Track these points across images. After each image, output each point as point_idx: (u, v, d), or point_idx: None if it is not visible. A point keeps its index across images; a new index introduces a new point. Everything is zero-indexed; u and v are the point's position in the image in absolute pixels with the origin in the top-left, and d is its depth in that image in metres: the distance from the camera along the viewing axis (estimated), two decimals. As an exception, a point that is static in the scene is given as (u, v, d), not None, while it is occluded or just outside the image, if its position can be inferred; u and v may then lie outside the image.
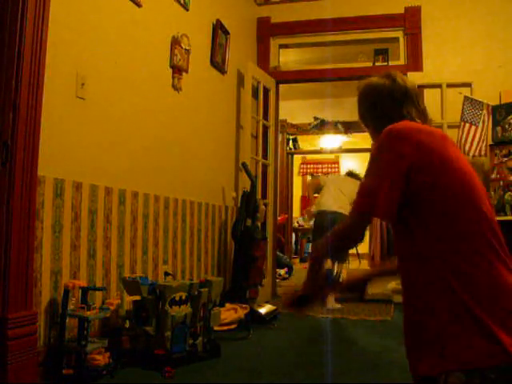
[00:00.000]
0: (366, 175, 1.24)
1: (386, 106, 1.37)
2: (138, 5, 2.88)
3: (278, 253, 6.86)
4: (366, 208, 1.18)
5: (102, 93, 2.60)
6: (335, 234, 1.28)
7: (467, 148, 4.03)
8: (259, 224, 4.13)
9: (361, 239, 1.29)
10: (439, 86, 4.41)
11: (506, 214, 3.80)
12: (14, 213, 1.96)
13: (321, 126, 8.66)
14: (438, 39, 4.50)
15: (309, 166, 12.35)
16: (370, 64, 4.87)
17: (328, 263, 4.45)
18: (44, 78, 2.10)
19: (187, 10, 3.48)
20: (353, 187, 4.47)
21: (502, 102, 4.11)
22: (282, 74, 5.05)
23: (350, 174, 5.07)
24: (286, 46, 5.17)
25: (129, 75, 2.83)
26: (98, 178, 2.56)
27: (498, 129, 3.98)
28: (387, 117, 1.32)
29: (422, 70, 4.50)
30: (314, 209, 4.91)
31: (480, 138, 4.04)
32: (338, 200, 4.60)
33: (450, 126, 4.32)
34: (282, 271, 6.45)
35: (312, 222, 4.97)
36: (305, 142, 10.14)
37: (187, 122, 3.56)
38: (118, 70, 2.74)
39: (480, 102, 4.09)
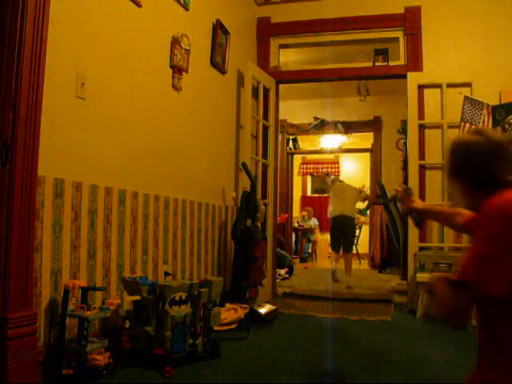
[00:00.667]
0: (476, 249, 1.23)
1: (483, 166, 1.36)
2: (138, 5, 2.88)
3: (282, 252, 6.91)
4: (477, 278, 1.17)
5: (102, 93, 2.60)
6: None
7: (467, 148, 4.03)
8: (259, 224, 4.13)
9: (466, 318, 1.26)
10: (439, 86, 4.41)
11: (506, 214, 3.80)
12: (14, 213, 1.96)
13: (321, 126, 8.66)
14: (438, 39, 4.50)
15: (309, 165, 12.36)
16: (370, 64, 4.86)
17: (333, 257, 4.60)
18: (44, 78, 2.10)
19: (187, 10, 3.48)
20: (351, 193, 6.45)
21: (502, 102, 4.11)
22: (282, 73, 5.05)
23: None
24: (286, 46, 5.17)
25: (129, 75, 2.83)
26: (98, 177, 2.56)
27: (498, 129, 3.98)
28: (485, 177, 1.34)
29: (422, 70, 4.50)
30: (329, 215, 6.39)
31: (480, 138, 4.03)
32: (344, 207, 6.17)
33: (450, 126, 4.32)
34: (282, 271, 6.44)
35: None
36: (305, 142, 10.14)
37: (187, 121, 3.56)
38: (118, 69, 2.74)
39: (480, 101, 4.09)
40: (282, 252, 7.02)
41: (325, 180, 8.73)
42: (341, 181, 6.95)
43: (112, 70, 2.68)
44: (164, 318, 2.45)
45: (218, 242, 4.10)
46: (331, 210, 6.31)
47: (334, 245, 6.27)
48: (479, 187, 1.36)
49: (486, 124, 4.07)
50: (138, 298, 2.52)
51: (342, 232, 6.16)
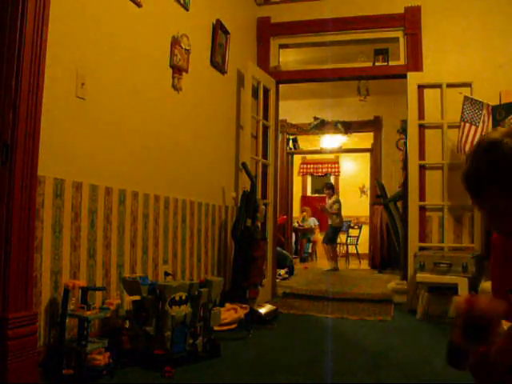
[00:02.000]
0: None
1: None
2: (138, 5, 2.88)
3: (283, 251, 6.91)
4: None
5: (102, 93, 2.60)
6: None
7: (467, 148, 4.03)
8: (259, 224, 4.13)
9: None
10: (439, 85, 4.41)
11: (505, 214, 3.80)
12: (14, 213, 1.96)
13: (321, 126, 8.66)
14: (437, 39, 4.50)
15: (309, 165, 12.36)
16: (369, 64, 4.86)
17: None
18: (44, 78, 2.10)
19: (187, 10, 3.48)
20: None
21: (502, 102, 4.11)
22: (282, 73, 5.05)
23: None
24: (286, 46, 5.16)
25: (129, 75, 2.83)
26: (97, 178, 2.56)
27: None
28: None
29: (422, 70, 4.49)
30: (337, 225, 8.32)
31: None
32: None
33: (450, 126, 4.32)
34: (282, 271, 6.45)
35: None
36: (305, 142, 10.14)
37: (187, 121, 3.56)
38: (118, 69, 2.74)
39: (480, 102, 4.09)
40: (284, 252, 7.03)
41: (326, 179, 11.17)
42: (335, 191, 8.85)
43: (112, 70, 2.68)
44: (164, 318, 2.45)
45: (218, 242, 4.10)
46: (339, 221, 8.32)
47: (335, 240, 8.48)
48: None
49: (485, 124, 4.06)
50: (138, 298, 2.52)
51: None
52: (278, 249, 6.72)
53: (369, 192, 9.33)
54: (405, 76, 4.48)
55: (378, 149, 8.48)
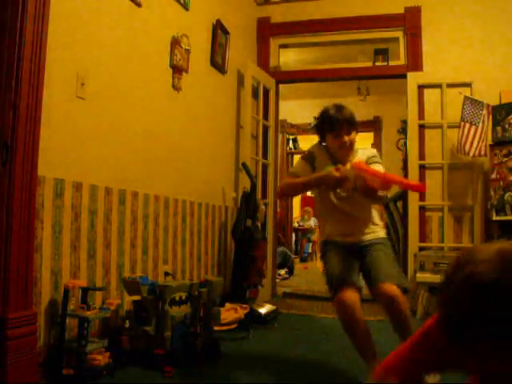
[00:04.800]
0: None
1: None
2: (138, 5, 2.88)
3: (287, 251, 6.92)
4: None
5: (102, 93, 2.60)
6: None
7: (467, 148, 4.03)
8: (259, 224, 4.13)
9: None
10: (439, 85, 4.41)
11: (506, 214, 3.81)
12: (14, 213, 1.96)
13: (321, 126, 8.65)
14: (438, 39, 4.50)
15: (309, 166, 12.34)
16: (369, 64, 4.86)
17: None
18: (44, 78, 2.10)
19: (187, 9, 3.48)
20: None
21: (502, 102, 4.11)
22: (282, 74, 5.05)
23: None
24: (286, 46, 5.17)
25: (129, 75, 2.83)
26: (98, 177, 2.56)
27: (498, 129, 3.97)
28: None
29: (422, 70, 4.50)
30: None
31: (480, 138, 4.03)
32: None
33: (450, 126, 4.32)
34: (282, 271, 6.45)
35: None
36: (305, 142, 10.14)
37: (187, 121, 3.56)
38: (118, 69, 2.74)
39: (480, 102, 4.09)
40: (288, 252, 7.02)
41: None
42: None
43: (112, 70, 2.68)
44: (164, 318, 2.45)
45: (218, 242, 4.10)
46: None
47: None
48: None
49: (485, 124, 4.06)
50: (138, 297, 2.52)
51: None
52: (282, 248, 6.74)
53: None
54: (405, 76, 4.48)
55: (378, 149, 8.47)
